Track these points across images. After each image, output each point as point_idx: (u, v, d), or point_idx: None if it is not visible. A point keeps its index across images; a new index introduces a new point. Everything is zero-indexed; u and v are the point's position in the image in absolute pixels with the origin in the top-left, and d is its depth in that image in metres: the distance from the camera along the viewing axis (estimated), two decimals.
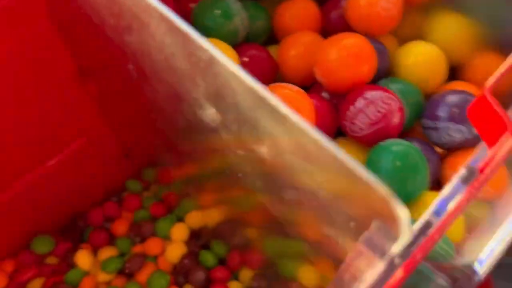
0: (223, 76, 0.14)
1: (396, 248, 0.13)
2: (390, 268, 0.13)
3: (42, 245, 0.36)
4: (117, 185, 0.41)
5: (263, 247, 0.34)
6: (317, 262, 0.31)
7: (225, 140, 0.18)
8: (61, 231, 0.39)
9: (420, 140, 0.27)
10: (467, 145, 0.26)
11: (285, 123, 0.13)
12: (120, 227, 0.39)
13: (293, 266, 0.32)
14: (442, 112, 0.26)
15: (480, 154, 0.16)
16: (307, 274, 0.31)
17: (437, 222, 0.14)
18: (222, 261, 0.37)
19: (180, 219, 0.39)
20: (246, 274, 0.35)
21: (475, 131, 0.25)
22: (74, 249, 0.37)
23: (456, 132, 0.25)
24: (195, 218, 0.38)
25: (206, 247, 0.38)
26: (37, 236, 0.36)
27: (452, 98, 0.26)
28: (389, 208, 0.12)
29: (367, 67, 0.26)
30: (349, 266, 0.16)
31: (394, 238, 0.13)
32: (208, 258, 0.36)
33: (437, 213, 0.14)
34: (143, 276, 0.35)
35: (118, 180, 0.41)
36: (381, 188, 0.12)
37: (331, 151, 0.12)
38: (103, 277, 0.36)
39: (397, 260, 0.13)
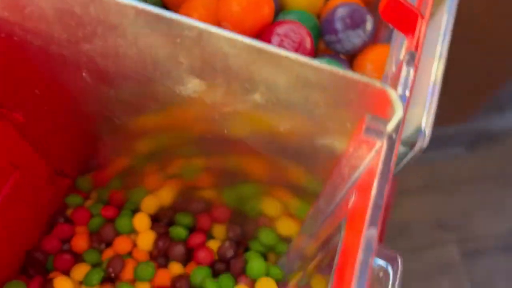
0: (213, 45, 0.16)
1: (391, 126, 0.17)
2: (391, 143, 0.17)
3: None
4: (59, 206, 0.40)
5: (223, 201, 0.37)
6: (273, 193, 0.34)
7: (207, 104, 0.20)
8: (21, 272, 0.38)
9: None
10: (366, 45, 0.31)
11: (284, 63, 0.15)
12: (80, 243, 0.38)
13: (255, 204, 0.36)
14: (339, 25, 0.30)
15: (405, 43, 0.21)
16: (269, 206, 0.35)
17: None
18: (192, 229, 0.39)
19: (135, 210, 0.40)
20: (219, 229, 0.38)
21: (370, 32, 0.30)
22: (46, 282, 0.36)
23: (355, 38, 0.30)
24: (150, 203, 0.39)
25: (172, 223, 0.39)
26: (5, 284, 0.35)
27: (342, 10, 0.30)
28: (383, 93, 0.16)
29: (268, 8, 0.29)
30: (348, 160, 0.20)
31: (386, 121, 0.17)
32: (178, 231, 0.38)
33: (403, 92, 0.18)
34: (128, 273, 0.36)
35: (58, 201, 0.40)
36: (374, 82, 0.15)
37: (330, 71, 0.15)
38: None
39: (394, 136, 0.17)
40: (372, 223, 0.17)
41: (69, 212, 0.40)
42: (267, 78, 0.17)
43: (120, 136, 0.33)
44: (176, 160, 0.35)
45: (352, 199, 0.20)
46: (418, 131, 0.23)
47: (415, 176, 0.81)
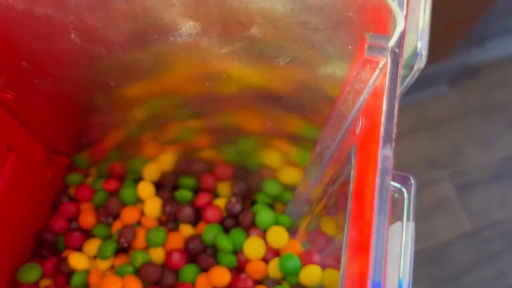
0: None
1: (393, 40, 0.17)
2: (395, 58, 0.17)
3: (30, 273, 0.35)
4: (61, 186, 0.40)
5: (224, 158, 0.36)
6: (273, 144, 0.34)
7: (203, 48, 0.19)
8: (34, 254, 0.38)
9: None
10: None
11: None
12: (88, 219, 0.38)
13: (256, 157, 0.36)
14: None
15: None
16: (270, 157, 0.35)
17: None
18: (197, 191, 0.39)
19: (137, 180, 0.39)
20: (223, 187, 0.38)
21: None
22: (60, 261, 0.36)
23: None
24: (151, 171, 0.39)
25: (176, 187, 0.39)
26: (19, 267, 0.35)
27: None
28: (383, 4, 0.15)
29: None
30: (352, 86, 0.20)
31: (388, 37, 0.17)
32: (184, 194, 0.38)
33: None
34: (140, 241, 0.36)
35: (59, 181, 0.40)
36: None
37: None
38: (104, 264, 0.36)
39: (397, 50, 0.17)
40: (386, 141, 0.17)
41: (71, 191, 0.40)
42: (263, 7, 0.16)
43: (115, 104, 0.33)
44: (171, 124, 0.35)
45: (360, 125, 0.20)
46: (415, 53, 0.22)
47: (403, 119, 0.82)
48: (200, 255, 0.36)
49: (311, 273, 0.34)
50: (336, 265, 0.35)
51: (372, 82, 0.18)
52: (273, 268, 0.35)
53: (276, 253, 0.36)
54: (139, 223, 0.38)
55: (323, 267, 0.35)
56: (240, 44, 0.19)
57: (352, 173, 0.20)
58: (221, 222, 0.37)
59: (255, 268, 0.35)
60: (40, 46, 0.22)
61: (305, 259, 0.35)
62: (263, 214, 0.36)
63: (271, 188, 0.36)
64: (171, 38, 0.19)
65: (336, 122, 0.23)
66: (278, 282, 0.35)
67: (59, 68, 0.25)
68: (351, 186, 0.20)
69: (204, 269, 0.35)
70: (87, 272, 0.36)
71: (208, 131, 0.35)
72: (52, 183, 0.39)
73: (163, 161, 0.38)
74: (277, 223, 0.36)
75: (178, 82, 0.29)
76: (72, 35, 0.20)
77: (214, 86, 0.27)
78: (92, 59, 0.22)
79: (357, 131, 0.20)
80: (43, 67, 0.24)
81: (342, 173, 0.25)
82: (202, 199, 0.37)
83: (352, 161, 0.21)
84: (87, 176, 0.41)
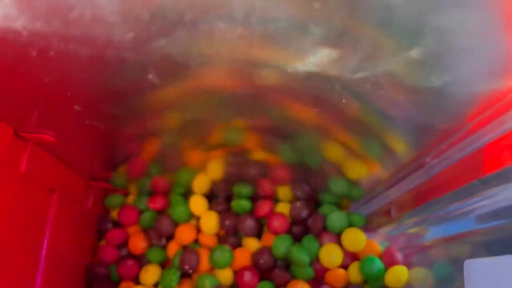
0: None
1: None
2: None
3: None
4: (102, 211, 0.35)
5: (280, 160, 0.32)
6: (332, 136, 0.30)
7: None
8: None
9: None
10: None
11: None
12: (139, 243, 0.34)
13: (315, 154, 0.31)
14: None
15: None
16: (331, 151, 0.31)
17: None
18: (254, 199, 0.35)
19: (185, 194, 0.35)
20: (284, 191, 0.34)
21: None
22: None
23: None
24: (201, 182, 0.34)
25: (230, 197, 0.35)
26: None
27: None
28: None
29: None
30: None
31: None
32: (242, 204, 0.34)
33: None
34: (204, 264, 0.32)
35: (99, 207, 0.35)
36: None
37: None
38: None
39: None
40: None
41: (114, 214, 0.35)
42: None
43: (149, 109, 0.28)
44: (215, 127, 0.30)
45: None
46: None
47: None
48: (273, 270, 0.32)
49: (397, 274, 0.31)
50: (421, 263, 0.31)
51: None
52: (354, 274, 0.32)
53: (354, 256, 0.33)
54: (196, 241, 0.34)
55: (406, 265, 0.32)
56: None
57: None
58: (288, 231, 0.33)
59: (335, 277, 0.32)
60: (101, 88, 0.17)
61: (387, 260, 0.32)
62: (335, 216, 0.33)
63: (338, 186, 0.33)
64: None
65: None
66: (361, 286, 0.32)
67: (113, 103, 0.20)
68: None
69: (280, 285, 0.32)
70: None
71: (258, 130, 0.31)
72: (93, 211, 0.34)
73: (212, 170, 0.34)
74: (350, 224, 0.33)
75: (217, 76, 0.24)
76: (151, 76, 0.15)
77: (258, 76, 0.23)
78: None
79: None
80: (99, 107, 0.19)
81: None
82: (264, 208, 0.33)
83: None
84: (127, 195, 0.36)
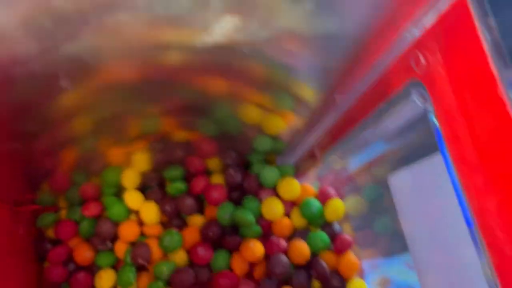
0: None
1: None
2: None
3: None
4: (37, 233, 0.34)
5: (202, 134, 0.33)
6: (246, 99, 0.31)
7: None
8: None
9: None
10: None
11: None
12: (84, 254, 0.33)
13: (234, 120, 0.33)
14: None
15: None
16: (248, 114, 0.32)
17: None
18: (187, 178, 0.35)
19: (118, 193, 0.35)
20: (214, 163, 0.35)
21: None
22: None
23: None
24: (130, 177, 0.34)
25: (162, 184, 0.35)
26: None
27: None
28: None
29: None
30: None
31: None
32: (176, 187, 0.34)
33: None
34: (156, 253, 0.33)
35: (33, 230, 0.34)
36: None
37: None
38: None
39: None
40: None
41: (50, 233, 0.34)
42: None
43: (54, 120, 0.27)
44: (128, 120, 0.30)
45: (421, 60, 0.18)
46: None
47: None
48: (223, 238, 0.33)
49: (334, 208, 0.34)
50: (352, 191, 0.34)
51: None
52: (297, 219, 0.34)
53: (293, 203, 0.35)
54: (142, 234, 0.34)
55: (340, 197, 0.35)
56: None
57: (431, 107, 0.18)
58: (228, 198, 0.34)
59: (281, 227, 0.33)
60: (11, 107, 0.16)
61: (323, 198, 0.34)
62: (266, 172, 0.34)
63: (262, 144, 0.34)
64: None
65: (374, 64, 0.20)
66: (307, 229, 0.34)
67: (25, 119, 0.19)
68: (436, 120, 0.18)
69: (234, 250, 0.33)
70: None
71: (175, 112, 0.31)
72: (26, 236, 0.33)
73: (139, 162, 0.34)
74: (282, 175, 0.35)
75: (128, 68, 0.24)
76: (62, 82, 0.15)
77: (168, 58, 0.23)
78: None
79: (415, 68, 0.18)
80: (10, 127, 0.19)
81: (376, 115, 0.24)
82: (199, 184, 0.34)
83: (415, 97, 0.19)
84: (59, 210, 0.35)
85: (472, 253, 0.20)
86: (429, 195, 0.25)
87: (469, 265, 0.24)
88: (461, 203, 0.21)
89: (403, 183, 0.27)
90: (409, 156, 0.27)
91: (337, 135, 0.30)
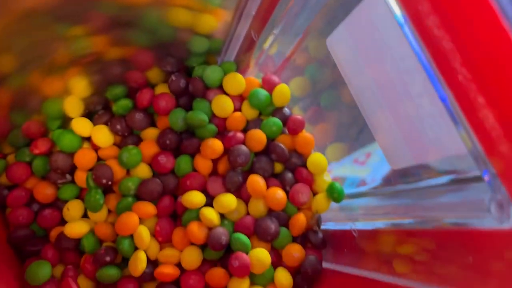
0: None
1: None
2: None
3: (41, 270, 0.30)
4: None
5: (137, 46, 0.32)
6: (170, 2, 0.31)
7: None
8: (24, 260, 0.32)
9: None
10: None
11: None
12: (45, 191, 0.33)
13: (165, 26, 0.32)
14: None
15: None
16: (178, 16, 0.31)
17: None
18: (131, 94, 0.35)
19: (63, 125, 0.34)
20: (154, 73, 0.34)
21: None
22: (57, 243, 0.32)
23: None
24: (73, 105, 0.33)
25: (107, 105, 0.35)
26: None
27: None
28: None
29: None
30: None
31: None
32: (122, 104, 0.34)
33: None
34: (118, 172, 0.32)
35: None
36: None
37: None
38: (102, 214, 0.32)
39: None
40: None
41: (3, 179, 0.33)
42: None
43: None
44: (52, 47, 0.29)
45: None
46: None
47: None
48: (181, 144, 0.33)
49: (280, 93, 0.35)
50: (295, 74, 0.35)
51: None
52: (248, 111, 0.35)
53: (242, 98, 0.35)
54: (99, 159, 0.33)
55: (285, 81, 0.35)
56: None
57: None
58: (177, 104, 0.34)
59: (235, 121, 0.34)
60: None
61: (268, 86, 0.35)
62: (209, 72, 0.34)
63: (198, 45, 0.34)
64: None
65: None
66: (259, 118, 0.35)
67: None
68: None
69: (195, 152, 0.33)
70: (91, 232, 0.32)
71: (102, 30, 0.30)
72: None
73: (78, 88, 0.33)
74: (225, 73, 0.35)
75: None
76: None
77: None
78: None
79: None
80: None
81: None
82: (144, 97, 0.34)
83: None
84: (6, 156, 0.33)
85: (430, 96, 0.21)
86: (373, 44, 0.25)
87: (425, 110, 0.25)
88: (412, 42, 0.21)
89: (342, 40, 0.28)
90: (343, 15, 0.27)
91: (267, 13, 0.30)
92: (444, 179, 0.23)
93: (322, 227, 0.34)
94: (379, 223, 0.27)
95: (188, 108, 0.34)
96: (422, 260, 0.21)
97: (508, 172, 0.16)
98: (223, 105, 0.34)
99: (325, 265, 0.33)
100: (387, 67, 0.25)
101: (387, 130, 0.28)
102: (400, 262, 0.23)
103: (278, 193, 0.32)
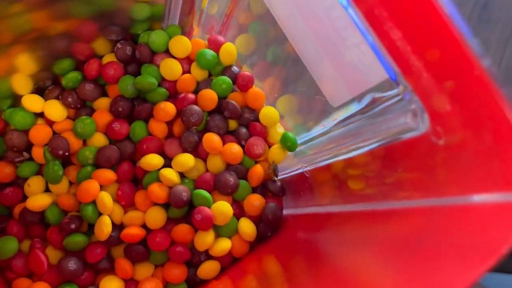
0: None
1: None
2: None
3: (8, 245, 0.30)
4: None
5: (78, 17, 0.32)
6: None
7: None
8: None
9: None
10: None
11: None
12: (3, 172, 0.33)
13: None
14: None
15: None
16: None
17: None
18: (78, 66, 0.35)
19: (14, 104, 0.34)
20: (100, 44, 0.35)
21: None
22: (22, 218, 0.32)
23: None
24: (21, 82, 0.33)
25: (56, 80, 0.35)
26: None
27: None
28: None
29: None
30: None
31: None
32: (71, 77, 0.34)
33: None
34: (74, 144, 0.33)
35: None
36: None
37: None
38: (63, 186, 0.33)
39: None
40: None
41: None
42: None
43: None
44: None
45: None
46: None
47: None
48: (134, 109, 0.34)
49: (227, 52, 0.35)
50: (239, 32, 0.36)
51: None
52: (197, 72, 0.35)
53: (189, 59, 0.36)
54: (55, 133, 0.34)
55: (230, 41, 0.36)
56: None
57: None
58: (126, 72, 0.35)
59: (185, 83, 0.35)
60: None
61: (214, 46, 0.36)
62: (154, 37, 0.35)
63: (140, 12, 0.34)
64: None
65: None
66: (209, 78, 0.36)
67: None
68: None
69: (148, 117, 0.34)
70: (54, 204, 0.32)
71: (39, 6, 0.30)
72: None
73: (24, 66, 0.32)
74: (170, 37, 0.35)
75: None
76: None
77: None
78: None
79: None
80: None
81: None
82: (92, 67, 0.34)
83: None
84: None
85: (358, 38, 0.22)
86: None
87: (355, 51, 0.26)
88: None
89: None
90: None
91: None
92: (373, 106, 0.24)
93: (279, 176, 0.35)
94: (327, 158, 0.28)
95: (137, 75, 0.34)
96: (371, 175, 0.23)
97: (418, 86, 0.18)
98: (171, 68, 0.34)
99: (286, 212, 0.34)
100: (320, 16, 0.27)
101: (328, 75, 0.29)
102: (353, 180, 0.25)
103: (234, 148, 0.33)
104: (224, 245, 0.32)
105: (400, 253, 0.18)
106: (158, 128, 0.34)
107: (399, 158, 0.21)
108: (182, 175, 0.33)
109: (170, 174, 0.32)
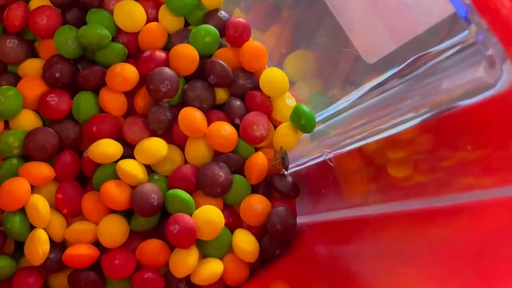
0: None
1: None
2: None
3: None
4: None
5: None
6: None
7: None
8: None
9: None
10: None
11: None
12: None
13: None
14: None
15: None
16: None
17: None
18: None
19: None
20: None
21: None
22: None
23: None
24: None
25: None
26: None
27: None
28: None
29: None
30: None
31: None
32: None
33: None
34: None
35: None
36: None
37: None
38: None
39: None
40: None
41: None
42: None
43: None
44: None
45: None
46: None
47: None
48: (77, 75, 0.34)
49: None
50: None
51: None
52: (169, 19, 0.35)
53: (156, 1, 0.35)
54: None
55: None
56: None
57: None
58: (64, 21, 0.35)
59: (150, 36, 0.35)
60: None
61: None
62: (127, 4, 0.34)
63: None
64: None
65: None
66: (186, 29, 0.36)
67: None
68: None
69: (99, 86, 0.34)
70: None
71: None
72: None
73: None
74: None
75: None
76: None
77: None
78: None
79: None
80: None
81: None
82: (15, 13, 0.34)
83: None
84: None
85: None
86: None
87: None
88: None
89: None
90: None
91: None
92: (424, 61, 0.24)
93: (291, 168, 0.35)
94: (358, 139, 0.28)
95: (81, 24, 0.34)
96: (420, 158, 0.23)
97: (498, 22, 0.18)
98: (130, 13, 0.34)
99: (301, 219, 0.34)
100: None
101: (362, 21, 0.29)
102: (396, 166, 0.25)
103: (225, 129, 0.33)
104: (213, 268, 0.32)
105: (466, 268, 0.18)
106: (113, 101, 0.33)
107: (462, 130, 0.20)
108: (150, 169, 0.33)
109: (132, 168, 0.32)
